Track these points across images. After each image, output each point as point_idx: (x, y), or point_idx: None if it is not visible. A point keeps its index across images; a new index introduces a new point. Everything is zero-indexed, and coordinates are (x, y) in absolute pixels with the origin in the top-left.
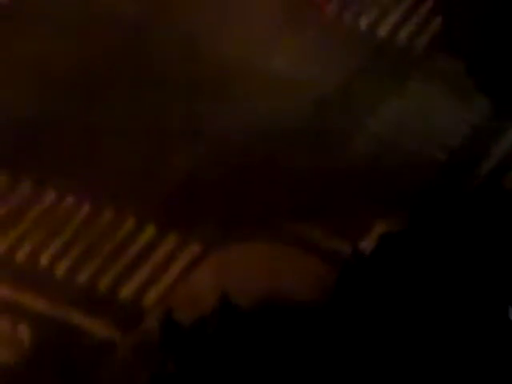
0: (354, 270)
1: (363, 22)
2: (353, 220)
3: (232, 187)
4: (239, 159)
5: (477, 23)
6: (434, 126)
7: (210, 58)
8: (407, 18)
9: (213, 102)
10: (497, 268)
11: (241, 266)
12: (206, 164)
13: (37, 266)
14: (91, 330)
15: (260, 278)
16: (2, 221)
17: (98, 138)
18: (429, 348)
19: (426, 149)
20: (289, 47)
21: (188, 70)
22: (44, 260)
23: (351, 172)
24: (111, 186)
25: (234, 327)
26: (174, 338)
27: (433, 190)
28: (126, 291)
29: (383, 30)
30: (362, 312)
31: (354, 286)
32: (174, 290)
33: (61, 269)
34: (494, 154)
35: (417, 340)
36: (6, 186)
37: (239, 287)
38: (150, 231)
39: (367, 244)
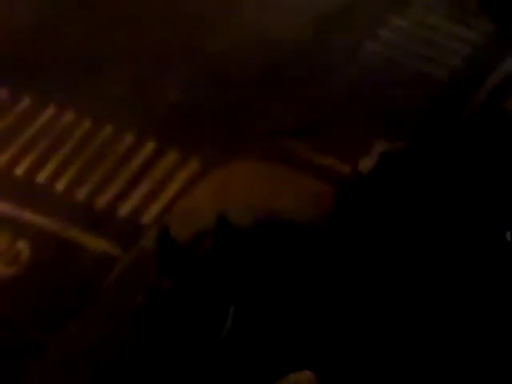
0: (354, 189)
1: None
2: (353, 140)
3: (231, 104)
4: (238, 76)
5: None
6: (434, 46)
7: None
8: None
9: (211, 25)
10: (496, 190)
11: (240, 185)
12: (205, 80)
13: (36, 182)
14: (90, 246)
15: (260, 197)
16: (1, 136)
17: (99, 53)
18: (430, 264)
19: (426, 69)
20: None
21: None
22: (43, 176)
23: (351, 92)
24: (112, 102)
25: (231, 245)
26: (169, 255)
27: (434, 110)
28: (126, 208)
29: None
30: (363, 230)
31: (354, 204)
32: (173, 207)
33: (60, 185)
34: (495, 75)
35: (418, 257)
36: (5, 101)
37: (238, 206)
38: (150, 147)
39: (367, 163)
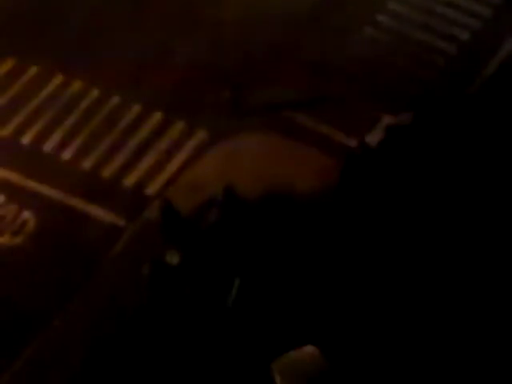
0: (360, 162)
1: None
2: (360, 114)
3: (236, 75)
4: (243, 45)
5: None
6: (443, 20)
7: None
8: None
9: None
10: (498, 161)
11: (247, 158)
12: (211, 52)
13: (42, 151)
14: (95, 217)
15: (266, 170)
16: (8, 106)
17: (104, 26)
18: (434, 236)
19: (435, 42)
20: None
21: None
22: (49, 145)
23: (359, 68)
24: (118, 73)
25: (238, 217)
26: (173, 226)
27: (441, 84)
28: (131, 179)
29: None
30: (367, 202)
31: (359, 177)
32: (178, 179)
33: (66, 155)
34: (504, 48)
35: (421, 229)
36: (13, 71)
37: (245, 178)
38: (157, 117)
39: (373, 137)
